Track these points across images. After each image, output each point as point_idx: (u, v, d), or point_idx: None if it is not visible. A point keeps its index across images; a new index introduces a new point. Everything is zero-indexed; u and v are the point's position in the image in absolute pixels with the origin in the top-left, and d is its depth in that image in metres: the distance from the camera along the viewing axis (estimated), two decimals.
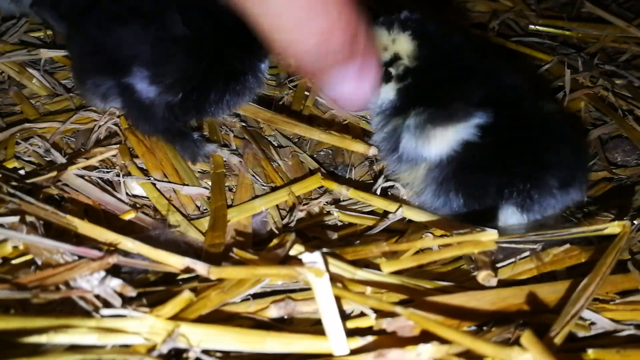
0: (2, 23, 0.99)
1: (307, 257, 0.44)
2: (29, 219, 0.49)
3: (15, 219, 0.49)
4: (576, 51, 1.09)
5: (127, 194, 0.67)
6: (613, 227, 0.54)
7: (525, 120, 0.62)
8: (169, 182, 0.69)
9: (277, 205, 0.68)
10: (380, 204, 0.67)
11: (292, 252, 0.51)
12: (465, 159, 0.60)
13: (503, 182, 0.59)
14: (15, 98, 0.84)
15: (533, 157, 0.60)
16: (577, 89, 0.94)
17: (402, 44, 0.68)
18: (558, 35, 1.14)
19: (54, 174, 0.64)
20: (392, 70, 0.68)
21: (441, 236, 0.60)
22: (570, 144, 0.63)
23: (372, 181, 0.77)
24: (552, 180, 0.59)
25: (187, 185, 0.69)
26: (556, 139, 0.62)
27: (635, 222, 0.56)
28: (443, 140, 0.61)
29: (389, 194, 0.73)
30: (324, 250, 0.49)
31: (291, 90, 0.90)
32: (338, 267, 0.49)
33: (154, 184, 0.68)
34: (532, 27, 1.15)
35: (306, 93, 0.89)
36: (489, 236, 0.53)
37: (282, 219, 0.68)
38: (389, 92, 0.68)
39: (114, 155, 0.72)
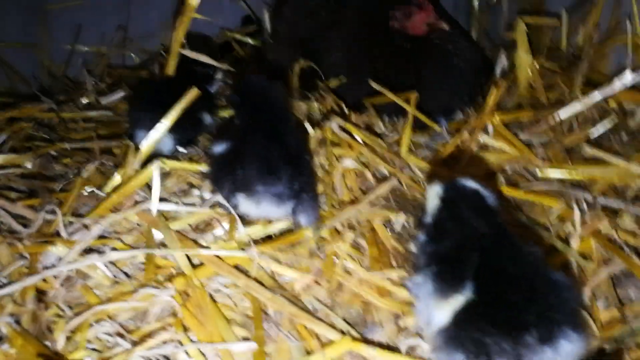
0: None
1: None
2: None
3: None
4: (583, 191, 1.18)
5: None
6: None
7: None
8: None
9: None
10: None
11: None
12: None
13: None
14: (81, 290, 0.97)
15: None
16: (586, 230, 1.02)
17: None
18: (565, 179, 1.24)
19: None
20: None
21: None
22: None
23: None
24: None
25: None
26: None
27: None
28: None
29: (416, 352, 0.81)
30: None
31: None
32: None
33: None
34: (539, 174, 1.25)
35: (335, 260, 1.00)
36: None
37: None
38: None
39: (170, 326, 0.83)
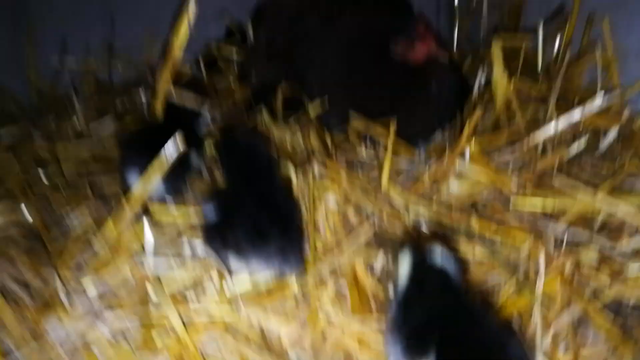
0: None
1: None
2: None
3: None
4: (554, 222, 1.25)
5: None
6: None
7: None
8: None
9: None
10: None
11: None
12: None
13: None
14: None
15: None
16: (551, 270, 1.10)
17: None
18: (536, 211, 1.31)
19: None
20: None
21: None
22: None
23: None
24: None
25: None
26: None
27: None
28: None
29: None
30: None
31: None
32: None
33: None
34: (511, 206, 1.32)
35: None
36: None
37: None
38: None
39: None
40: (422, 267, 0.89)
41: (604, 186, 1.30)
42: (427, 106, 1.65)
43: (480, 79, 1.76)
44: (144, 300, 1.05)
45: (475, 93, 1.76)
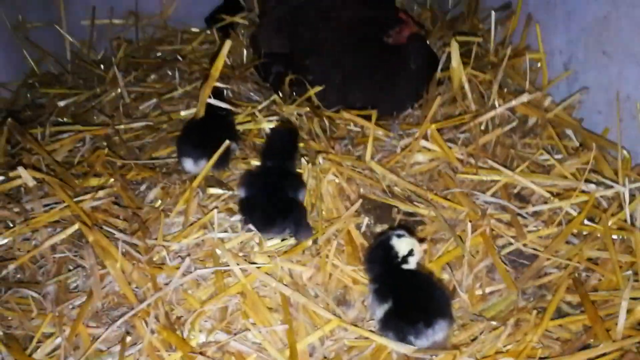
0: None
1: None
2: None
3: None
4: (484, 193, 1.82)
5: None
6: None
7: None
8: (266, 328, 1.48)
9: None
10: None
11: None
12: None
13: None
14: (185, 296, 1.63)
15: None
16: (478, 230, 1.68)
17: None
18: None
19: None
20: None
21: None
22: None
23: None
24: None
25: None
26: None
27: None
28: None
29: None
30: None
31: None
32: None
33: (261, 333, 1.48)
34: (458, 176, 1.88)
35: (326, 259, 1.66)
36: None
37: None
38: None
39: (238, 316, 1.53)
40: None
41: (521, 166, 1.86)
42: (404, 81, 2.18)
43: (443, 60, 2.25)
44: (215, 258, 1.62)
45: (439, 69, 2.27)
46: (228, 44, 1.76)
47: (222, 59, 1.79)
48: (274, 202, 1.66)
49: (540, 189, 1.78)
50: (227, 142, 1.80)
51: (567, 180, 1.81)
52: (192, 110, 2.08)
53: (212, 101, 1.86)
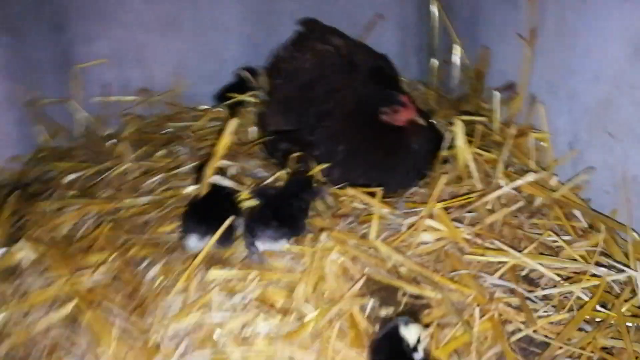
0: None
1: None
2: None
3: None
4: (491, 275, 1.77)
5: None
6: None
7: None
8: None
9: None
10: None
11: None
12: None
13: None
14: None
15: None
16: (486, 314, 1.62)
17: None
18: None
19: None
20: None
21: None
22: None
23: None
24: None
25: None
26: None
27: None
28: None
29: None
30: None
31: None
32: None
33: None
34: (464, 257, 1.84)
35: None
36: None
37: None
38: None
39: None
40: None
41: (528, 247, 1.82)
42: (407, 160, 2.18)
43: (447, 140, 2.26)
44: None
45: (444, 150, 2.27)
46: (233, 122, 1.78)
47: (227, 137, 1.81)
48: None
49: (549, 272, 1.73)
50: (231, 217, 1.79)
51: (576, 263, 1.77)
52: (198, 186, 2.08)
53: (214, 179, 1.86)
